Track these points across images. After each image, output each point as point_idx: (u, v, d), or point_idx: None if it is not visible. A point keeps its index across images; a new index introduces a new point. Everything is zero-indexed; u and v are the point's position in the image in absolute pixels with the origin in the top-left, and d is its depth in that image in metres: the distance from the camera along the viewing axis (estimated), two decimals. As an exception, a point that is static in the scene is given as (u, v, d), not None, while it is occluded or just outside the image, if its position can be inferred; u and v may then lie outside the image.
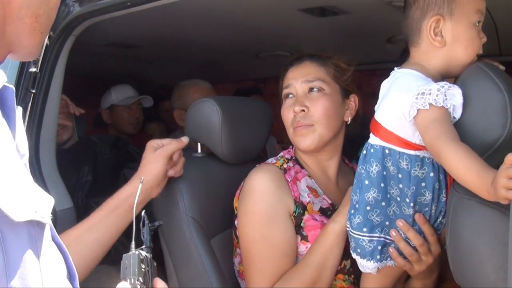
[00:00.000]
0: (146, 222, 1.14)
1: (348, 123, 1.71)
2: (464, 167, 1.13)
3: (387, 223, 1.38)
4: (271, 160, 1.71)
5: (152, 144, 1.66)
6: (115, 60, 2.91)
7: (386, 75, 1.49)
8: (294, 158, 1.72)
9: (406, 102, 1.27)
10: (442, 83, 1.25)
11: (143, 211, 1.16)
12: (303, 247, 1.57)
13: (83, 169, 2.13)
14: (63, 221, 1.77)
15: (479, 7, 1.34)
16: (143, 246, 1.08)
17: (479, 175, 1.10)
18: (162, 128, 3.75)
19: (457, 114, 1.25)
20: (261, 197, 1.58)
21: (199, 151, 1.92)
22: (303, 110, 1.62)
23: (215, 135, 1.78)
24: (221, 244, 1.76)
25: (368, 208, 1.38)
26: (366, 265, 1.40)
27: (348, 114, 1.70)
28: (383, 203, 1.37)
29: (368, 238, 1.38)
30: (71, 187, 2.02)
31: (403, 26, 1.42)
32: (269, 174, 1.61)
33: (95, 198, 2.10)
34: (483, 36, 1.36)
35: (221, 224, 1.77)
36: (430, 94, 1.23)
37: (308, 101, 1.63)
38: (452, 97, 1.23)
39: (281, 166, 1.66)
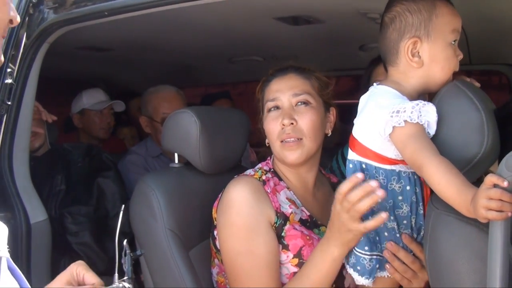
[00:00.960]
0: (128, 252, 1.11)
1: (329, 135, 1.72)
2: (445, 182, 1.16)
3: (377, 238, 1.40)
4: (249, 171, 1.71)
5: (72, 270, 1.16)
6: (85, 62, 2.85)
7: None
8: (272, 170, 1.72)
9: (381, 119, 1.29)
10: (416, 102, 1.28)
11: (125, 241, 1.12)
12: (284, 256, 1.57)
13: (57, 178, 2.08)
14: (38, 234, 1.74)
15: (455, 26, 1.36)
16: (125, 278, 1.07)
17: (459, 191, 1.13)
18: (134, 132, 3.69)
19: (432, 130, 1.28)
20: (241, 209, 1.57)
21: (176, 161, 1.90)
22: (292, 123, 1.61)
23: (193, 146, 1.77)
24: (199, 255, 1.75)
25: None
26: (363, 282, 1.41)
27: (328, 127, 1.71)
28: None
29: (369, 257, 1.40)
30: (44, 197, 1.98)
31: (380, 45, 1.44)
32: (248, 185, 1.60)
33: (68, 208, 2.07)
34: (460, 53, 1.39)
35: (199, 235, 1.77)
36: (404, 111, 1.25)
37: (296, 115, 1.63)
38: (427, 114, 1.26)
39: (259, 177, 1.65)
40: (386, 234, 1.40)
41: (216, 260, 1.71)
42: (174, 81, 2.93)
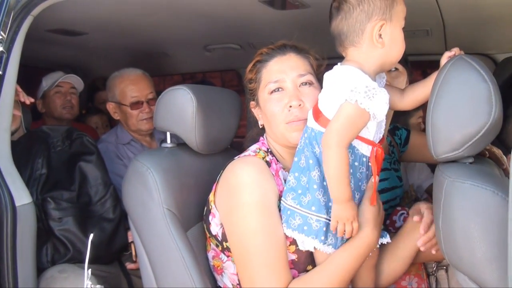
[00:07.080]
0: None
1: None
2: (333, 174, 1.41)
3: (330, 204, 1.46)
4: (249, 152, 1.65)
5: None
6: (57, 48, 2.74)
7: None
8: (270, 150, 1.68)
9: (342, 95, 1.40)
10: (373, 85, 1.39)
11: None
12: None
13: (37, 162, 1.95)
14: (24, 217, 1.64)
15: (405, 14, 1.49)
16: None
17: (338, 189, 1.41)
18: (104, 120, 3.59)
19: (380, 117, 1.43)
20: (253, 188, 1.52)
21: (169, 141, 1.85)
22: (300, 105, 1.58)
23: (189, 124, 1.72)
24: (195, 237, 1.70)
25: (315, 186, 1.46)
26: (308, 243, 1.48)
27: None
28: (325, 183, 1.46)
29: (316, 217, 1.46)
30: (25, 182, 1.86)
31: (340, 25, 1.47)
32: (255, 166, 1.56)
33: (50, 192, 1.96)
34: None
35: (196, 216, 1.72)
36: (359, 92, 1.37)
37: (302, 96, 1.60)
38: (378, 103, 1.38)
39: (263, 158, 1.61)
40: None
41: (211, 244, 1.67)
42: (148, 69, 2.84)
